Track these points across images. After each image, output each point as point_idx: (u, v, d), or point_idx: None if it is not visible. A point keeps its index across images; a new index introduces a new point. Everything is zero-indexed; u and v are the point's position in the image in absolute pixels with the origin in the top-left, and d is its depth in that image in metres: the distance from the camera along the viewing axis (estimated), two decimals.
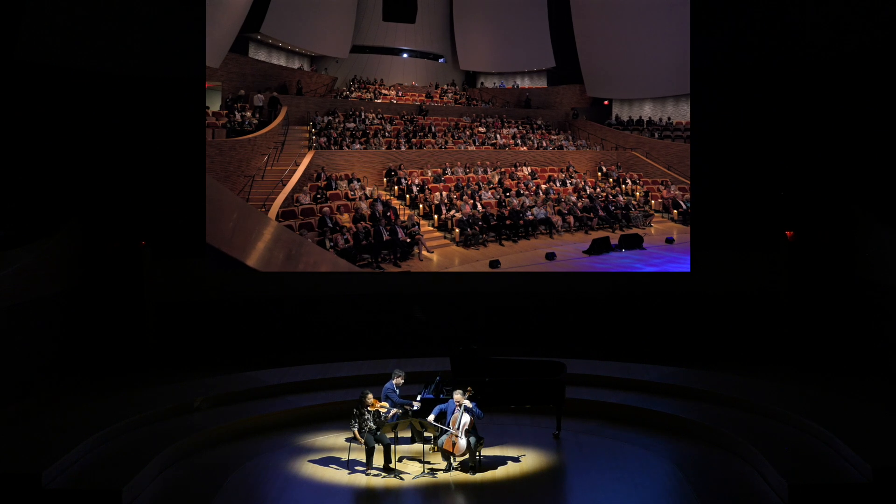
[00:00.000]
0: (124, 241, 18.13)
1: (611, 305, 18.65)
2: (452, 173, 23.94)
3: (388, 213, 19.36)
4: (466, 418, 12.45)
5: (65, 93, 17.67)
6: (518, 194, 22.39)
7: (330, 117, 25.60)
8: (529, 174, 24.94)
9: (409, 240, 18.39)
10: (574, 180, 24.89)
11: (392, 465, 12.62)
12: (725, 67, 18.62)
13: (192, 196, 18.21)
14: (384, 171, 23.38)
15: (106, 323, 18.03)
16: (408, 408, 13.19)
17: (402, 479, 12.40)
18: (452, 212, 20.21)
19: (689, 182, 19.75)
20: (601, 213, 21.92)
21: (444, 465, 12.62)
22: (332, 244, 17.47)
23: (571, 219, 21.47)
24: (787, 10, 18.16)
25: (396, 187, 22.41)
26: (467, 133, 27.36)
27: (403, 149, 24.72)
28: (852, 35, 17.85)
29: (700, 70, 18.11)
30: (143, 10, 18.00)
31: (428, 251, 18.50)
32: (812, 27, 18.09)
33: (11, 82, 17.06)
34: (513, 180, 24.07)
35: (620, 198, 23.29)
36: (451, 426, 12.45)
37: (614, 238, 20.25)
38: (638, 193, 24.44)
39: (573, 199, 22.66)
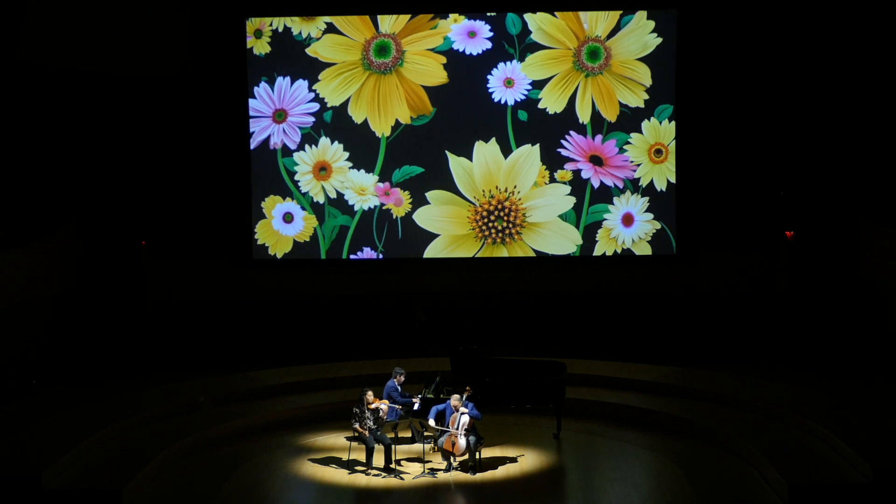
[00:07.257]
0: (124, 241, 18.11)
1: (609, 304, 18.60)
2: None
3: None
4: (465, 418, 12.45)
5: (62, 92, 17.63)
6: None
7: None
8: None
9: None
10: None
11: (392, 465, 12.63)
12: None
13: (192, 195, 18.27)
14: None
15: (106, 323, 18.01)
16: (409, 405, 13.17)
17: (402, 479, 12.40)
18: None
19: None
20: None
21: (444, 465, 12.62)
22: None
23: None
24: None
25: None
26: None
27: None
28: None
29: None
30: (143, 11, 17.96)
31: None
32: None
33: (10, 82, 17.05)
34: None
35: None
36: (450, 426, 12.46)
37: None
38: None
39: None
